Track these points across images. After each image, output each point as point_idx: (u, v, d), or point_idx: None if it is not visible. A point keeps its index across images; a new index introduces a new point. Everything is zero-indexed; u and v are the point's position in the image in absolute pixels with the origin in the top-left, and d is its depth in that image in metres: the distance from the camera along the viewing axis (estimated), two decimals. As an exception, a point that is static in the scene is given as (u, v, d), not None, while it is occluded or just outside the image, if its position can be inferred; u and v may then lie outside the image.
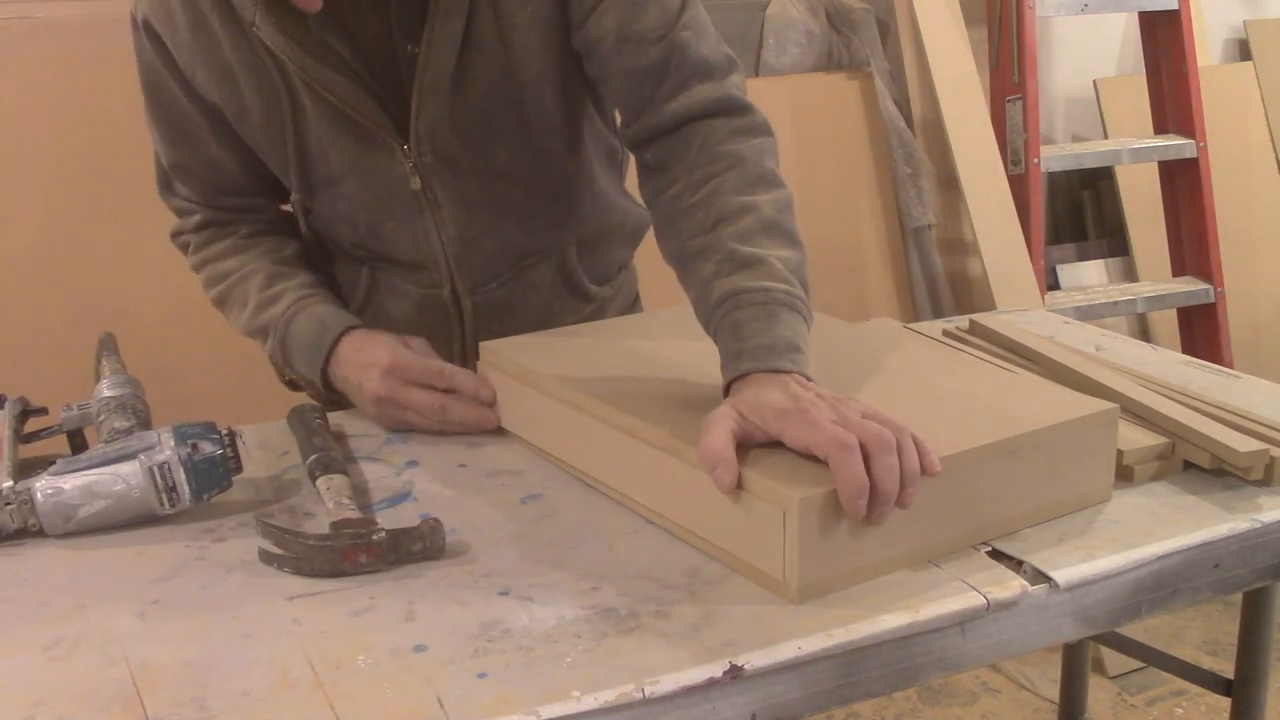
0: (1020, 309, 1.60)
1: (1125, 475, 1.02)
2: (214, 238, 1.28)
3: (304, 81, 1.12)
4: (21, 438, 1.06)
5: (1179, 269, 2.81)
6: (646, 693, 0.74)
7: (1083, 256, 2.96)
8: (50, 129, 2.01)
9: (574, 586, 0.86)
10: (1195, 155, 2.69)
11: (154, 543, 0.95)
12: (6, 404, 1.10)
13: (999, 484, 0.91)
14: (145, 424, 1.06)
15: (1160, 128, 2.79)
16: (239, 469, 1.01)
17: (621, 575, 0.88)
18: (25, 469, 0.99)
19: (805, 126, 2.59)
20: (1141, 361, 1.30)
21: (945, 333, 1.34)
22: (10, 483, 0.95)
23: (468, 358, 1.27)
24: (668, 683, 0.75)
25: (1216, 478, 1.03)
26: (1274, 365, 2.94)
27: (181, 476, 0.96)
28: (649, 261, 1.24)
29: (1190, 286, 2.73)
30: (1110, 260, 2.96)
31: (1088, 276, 2.92)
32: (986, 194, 2.53)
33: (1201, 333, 2.79)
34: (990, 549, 0.91)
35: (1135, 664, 2.40)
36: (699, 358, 1.06)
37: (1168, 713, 2.33)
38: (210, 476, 0.98)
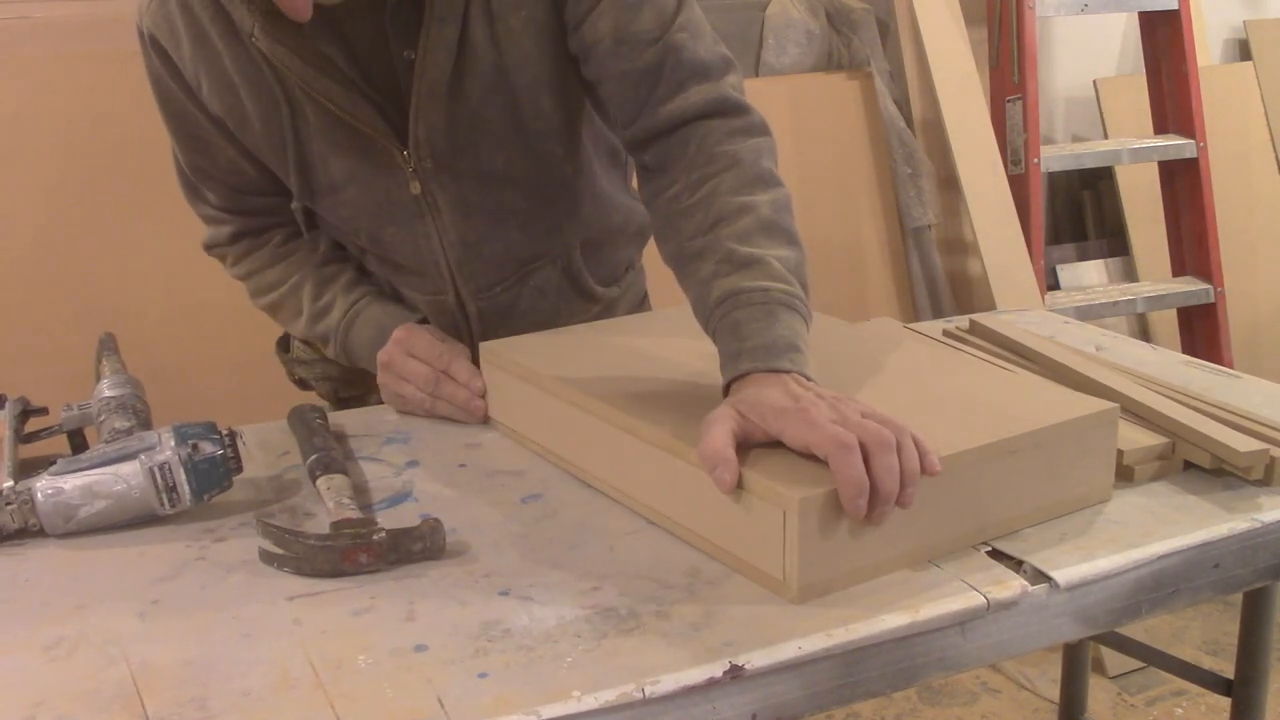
0: (1020, 309, 1.60)
1: (1125, 475, 1.02)
2: (251, 248, 1.31)
3: (303, 90, 1.12)
4: (22, 438, 1.06)
5: (1179, 269, 2.81)
6: (647, 693, 0.74)
7: (1083, 256, 2.96)
8: (50, 129, 2.01)
9: (574, 586, 0.86)
10: (1195, 155, 2.69)
11: (154, 543, 0.95)
12: (6, 404, 1.10)
13: (999, 484, 0.91)
14: (145, 424, 1.06)
15: (1160, 128, 2.79)
16: (239, 469, 1.01)
17: (622, 575, 0.88)
18: (25, 469, 0.99)
19: (805, 126, 2.59)
20: (1141, 361, 1.30)
21: (945, 333, 1.34)
22: (10, 483, 0.95)
23: (476, 362, 1.28)
24: (668, 683, 0.75)
25: (1216, 478, 1.03)
26: (1274, 365, 2.94)
27: (182, 476, 0.96)
28: (657, 261, 1.24)
29: (1190, 286, 2.73)
30: (1110, 260, 2.96)
31: (1088, 276, 2.92)
32: (986, 194, 2.53)
33: (1201, 333, 2.79)
34: (990, 549, 0.91)
35: (1135, 664, 2.40)
36: (700, 357, 1.06)
37: (1168, 713, 2.33)
38: (210, 476, 0.98)
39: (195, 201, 1.31)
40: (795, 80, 2.62)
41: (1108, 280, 2.93)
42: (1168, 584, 0.93)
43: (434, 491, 1.04)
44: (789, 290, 0.97)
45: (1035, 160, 2.55)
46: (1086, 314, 2.56)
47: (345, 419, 1.22)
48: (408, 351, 1.20)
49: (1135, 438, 1.04)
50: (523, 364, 1.11)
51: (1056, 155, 2.63)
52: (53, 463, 0.97)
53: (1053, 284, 2.85)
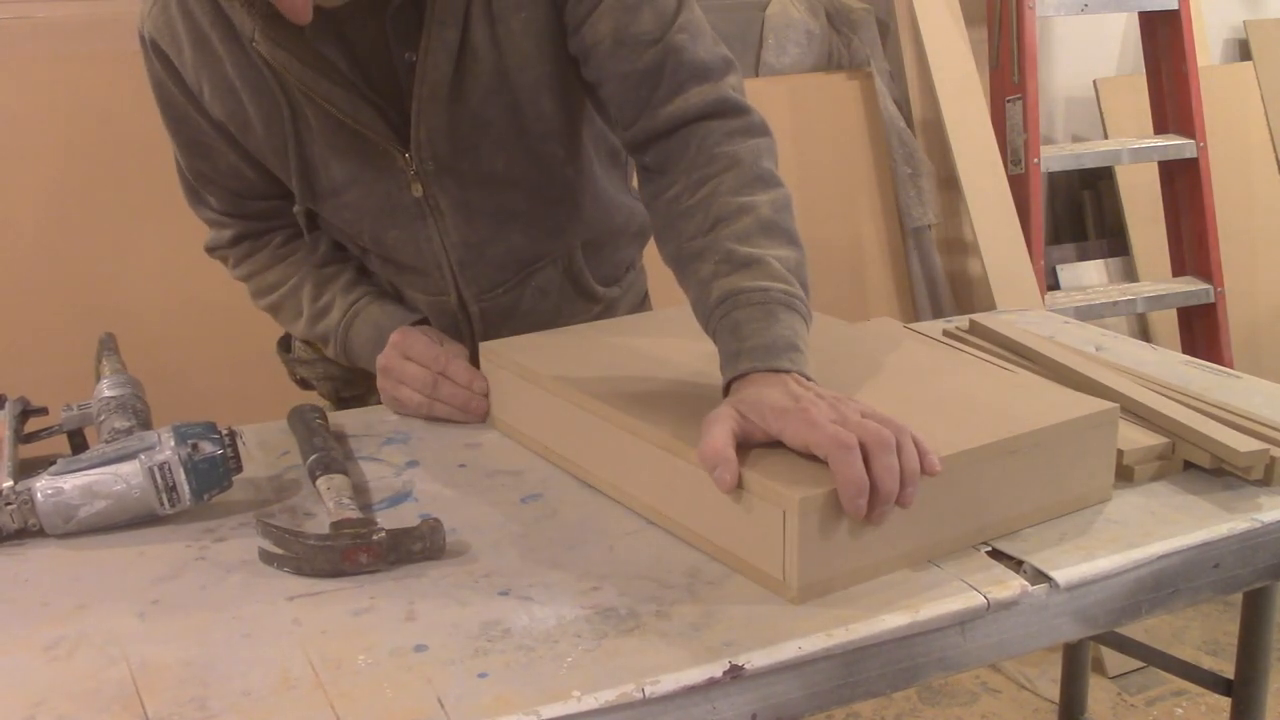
0: (1020, 309, 1.60)
1: (1125, 475, 1.02)
2: (252, 250, 1.32)
3: (304, 94, 1.12)
4: (22, 438, 1.06)
5: (1179, 269, 2.81)
6: (646, 693, 0.74)
7: (1083, 256, 2.96)
8: (50, 129, 2.01)
9: (574, 586, 0.86)
10: (1195, 155, 2.69)
11: (154, 543, 0.95)
12: (6, 404, 1.10)
13: (999, 484, 0.91)
14: (145, 424, 1.06)
15: (1160, 128, 2.79)
16: (239, 469, 1.01)
17: (622, 575, 0.88)
18: (25, 469, 0.99)
19: (805, 126, 2.59)
20: (1141, 361, 1.30)
21: (945, 333, 1.34)
22: (10, 483, 0.95)
23: (476, 363, 1.28)
24: (668, 683, 0.75)
25: (1216, 478, 1.03)
26: (1274, 365, 2.94)
27: (181, 476, 0.96)
28: (657, 261, 1.24)
29: (1190, 286, 2.73)
30: (1110, 260, 2.96)
31: (1088, 276, 2.92)
32: (986, 194, 2.53)
33: (1201, 333, 2.79)
34: (990, 549, 0.91)
35: (1135, 664, 2.40)
36: (700, 358, 1.06)
37: (1168, 713, 2.33)
38: (210, 476, 0.98)
39: (197, 205, 1.31)
40: (795, 80, 2.62)
41: (1108, 280, 2.93)
42: (1167, 584, 0.93)
43: (434, 491, 1.04)
44: (789, 290, 0.97)
45: (1035, 160, 2.55)
46: (1086, 314, 2.56)
47: (345, 419, 1.22)
48: (405, 355, 1.20)
49: (1135, 438, 1.04)
50: (523, 364, 1.11)
51: (1056, 155, 2.63)
52: (52, 463, 0.97)
53: (1053, 284, 2.85)
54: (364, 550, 0.89)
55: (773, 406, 0.87)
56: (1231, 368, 1.90)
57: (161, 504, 0.96)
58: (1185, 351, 2.00)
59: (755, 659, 0.77)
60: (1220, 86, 2.95)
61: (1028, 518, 0.94)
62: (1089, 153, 2.68)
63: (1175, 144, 2.70)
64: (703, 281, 1.01)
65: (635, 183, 1.25)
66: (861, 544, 0.85)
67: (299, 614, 0.84)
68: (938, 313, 2.68)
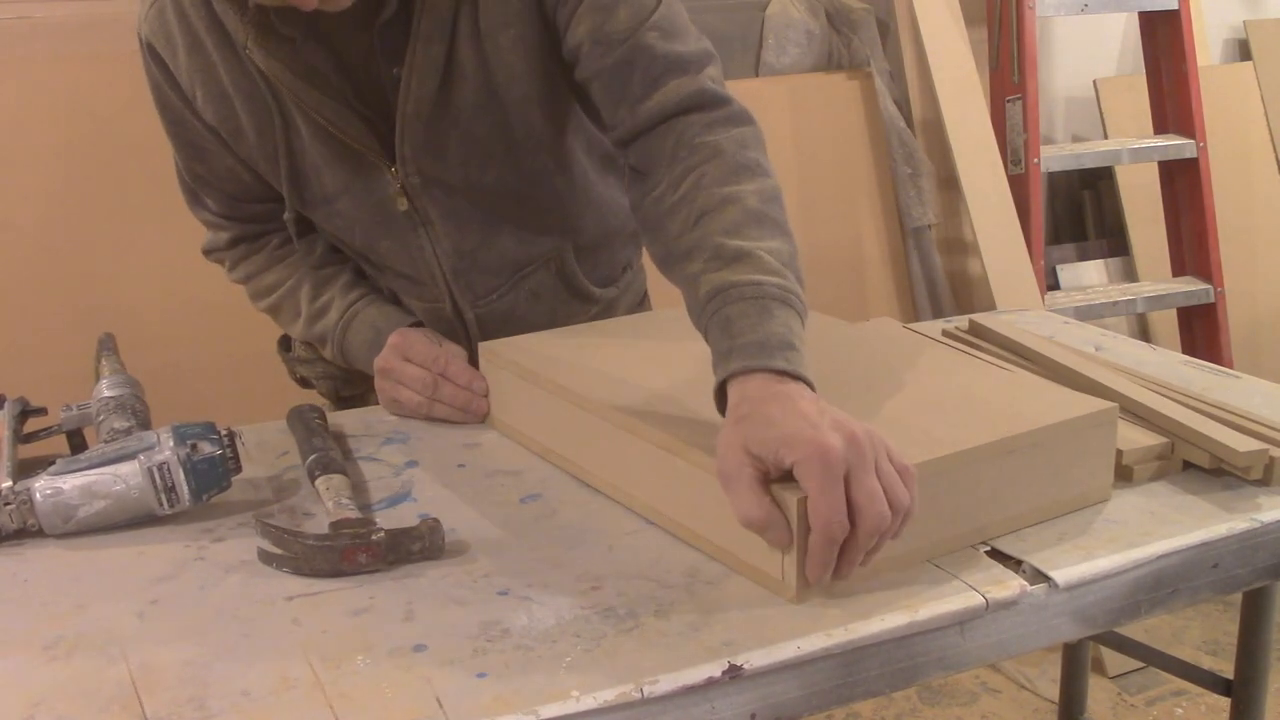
0: (1020, 309, 1.60)
1: (1125, 475, 1.02)
2: (249, 252, 1.32)
3: (296, 103, 1.12)
4: (21, 438, 1.06)
5: (1179, 269, 2.81)
6: (646, 693, 0.74)
7: (1083, 256, 2.96)
8: (50, 129, 2.01)
9: (573, 586, 0.86)
10: (1195, 155, 2.69)
11: (154, 543, 0.95)
12: (6, 404, 1.10)
13: (999, 484, 0.91)
14: (145, 424, 1.06)
15: (1160, 128, 2.79)
16: (238, 469, 1.01)
17: (621, 575, 0.88)
18: (25, 469, 0.99)
19: (805, 126, 2.59)
20: (1141, 361, 1.30)
21: (945, 333, 1.34)
22: (10, 483, 0.95)
23: (474, 365, 1.27)
24: (667, 683, 0.75)
25: (1216, 478, 1.03)
26: (1274, 365, 2.94)
27: (181, 477, 0.96)
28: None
29: (1190, 286, 2.73)
30: (1110, 260, 2.96)
31: (1088, 276, 2.92)
32: (986, 194, 2.53)
33: (1201, 333, 2.79)
34: (990, 549, 0.91)
35: (1135, 664, 2.40)
36: (700, 358, 1.06)
37: (1168, 713, 2.33)
38: (210, 477, 0.98)
39: (195, 207, 1.31)
40: (795, 80, 2.62)
41: (1108, 280, 2.93)
42: (1167, 584, 0.93)
43: (433, 491, 1.04)
44: (783, 285, 0.93)
45: (1035, 160, 2.55)
46: (1086, 314, 2.55)
47: (345, 419, 1.22)
48: (404, 356, 1.20)
49: (1135, 438, 1.04)
50: (522, 364, 1.11)
51: (1056, 155, 2.63)
52: (52, 463, 0.97)
53: (1053, 284, 2.85)
54: (363, 550, 0.89)
55: (781, 436, 0.81)
56: (1231, 368, 1.90)
57: (160, 504, 0.96)
58: (1185, 351, 2.00)
59: (754, 659, 0.77)
60: (1220, 86, 2.95)
61: (1027, 517, 0.94)
62: (1089, 153, 2.68)
63: (1175, 144, 2.70)
64: (692, 278, 0.97)
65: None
66: (861, 544, 0.85)
67: (298, 614, 0.84)
68: (937, 313, 2.68)
